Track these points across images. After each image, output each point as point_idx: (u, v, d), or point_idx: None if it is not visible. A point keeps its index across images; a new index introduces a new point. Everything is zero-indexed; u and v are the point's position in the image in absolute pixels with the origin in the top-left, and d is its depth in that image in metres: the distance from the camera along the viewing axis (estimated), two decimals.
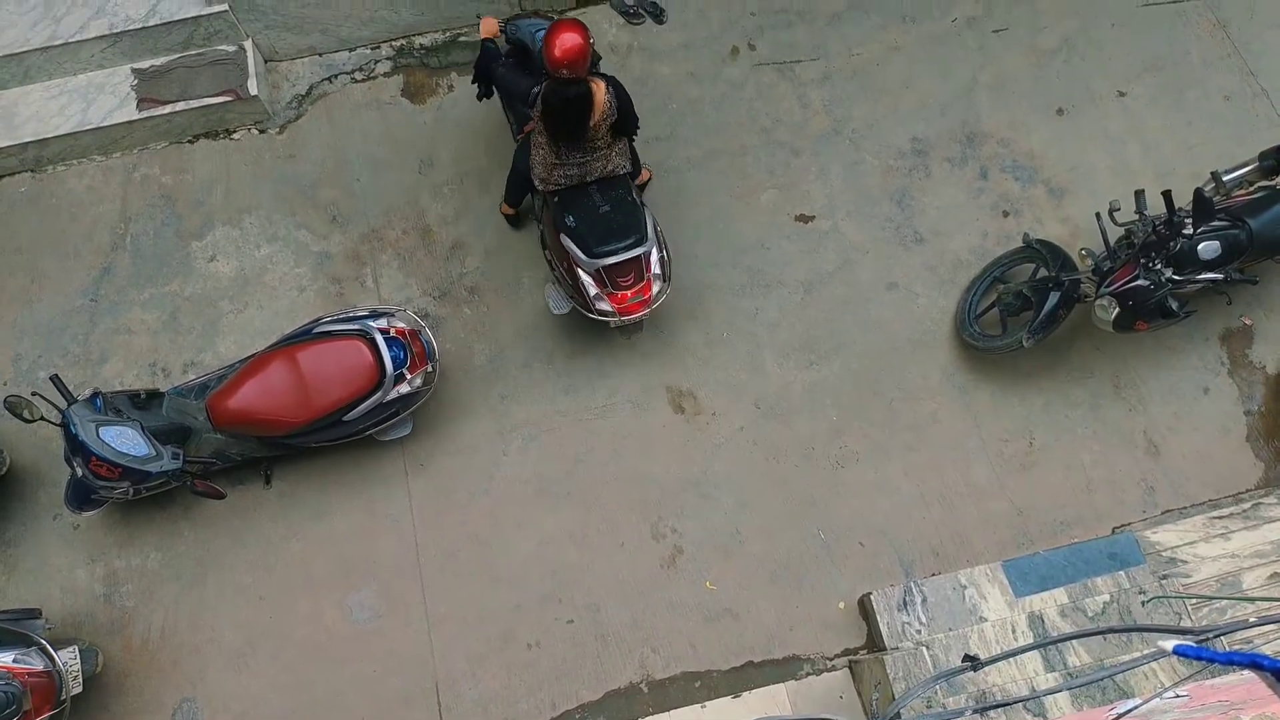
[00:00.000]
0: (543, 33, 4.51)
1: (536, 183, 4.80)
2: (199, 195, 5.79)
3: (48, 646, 4.33)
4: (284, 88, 6.05)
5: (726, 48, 6.06)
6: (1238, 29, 5.98)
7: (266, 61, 6.06)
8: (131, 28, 5.63)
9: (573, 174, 4.68)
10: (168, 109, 5.76)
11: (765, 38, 6.07)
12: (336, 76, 6.09)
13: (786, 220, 5.62)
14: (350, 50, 6.14)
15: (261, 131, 5.95)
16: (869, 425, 5.19)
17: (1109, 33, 6.01)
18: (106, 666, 4.78)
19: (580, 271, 4.74)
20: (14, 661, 4.21)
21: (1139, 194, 4.73)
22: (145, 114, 5.75)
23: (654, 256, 4.79)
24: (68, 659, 4.41)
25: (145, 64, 5.84)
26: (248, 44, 5.86)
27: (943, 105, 5.87)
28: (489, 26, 4.82)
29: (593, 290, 4.75)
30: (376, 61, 6.12)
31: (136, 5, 5.69)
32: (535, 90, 4.44)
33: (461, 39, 6.16)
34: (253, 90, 5.77)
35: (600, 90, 4.41)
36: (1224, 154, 5.49)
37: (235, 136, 5.95)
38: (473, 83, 5.00)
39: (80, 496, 4.73)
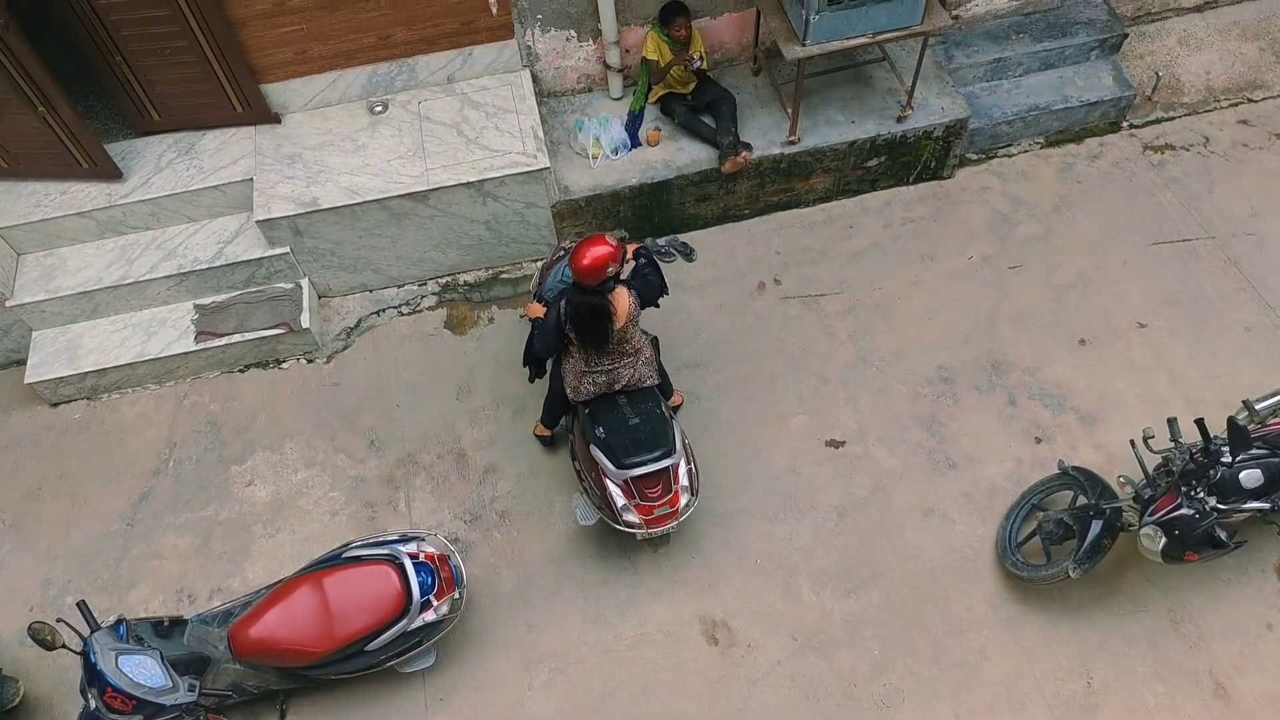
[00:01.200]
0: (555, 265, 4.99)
1: (569, 392, 4.98)
2: (244, 421, 5.98)
3: None
4: (334, 321, 6.39)
5: (753, 282, 6.38)
6: (1249, 265, 6.21)
7: (320, 297, 6.45)
8: (199, 268, 6.04)
9: (600, 381, 4.86)
10: (223, 341, 6.07)
11: (790, 273, 6.39)
12: (384, 310, 6.44)
13: (817, 445, 5.65)
14: (399, 287, 6.53)
15: (310, 361, 6.22)
16: (914, 661, 4.93)
17: (1122, 269, 6.26)
18: None
19: (608, 482, 4.82)
20: None
21: (1172, 422, 4.72)
22: (202, 346, 6.06)
23: (682, 469, 4.87)
24: None
25: (207, 300, 6.22)
26: (304, 282, 6.26)
27: (965, 335, 6.04)
28: (534, 310, 5.07)
29: (620, 501, 4.81)
30: (422, 297, 6.49)
31: (205, 248, 6.14)
32: (562, 306, 4.70)
33: (503, 276, 6.54)
34: (305, 324, 6.09)
35: (623, 294, 4.67)
36: (1251, 383, 5.53)
37: (284, 366, 6.22)
38: (524, 365, 5.29)
39: None
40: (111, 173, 6.03)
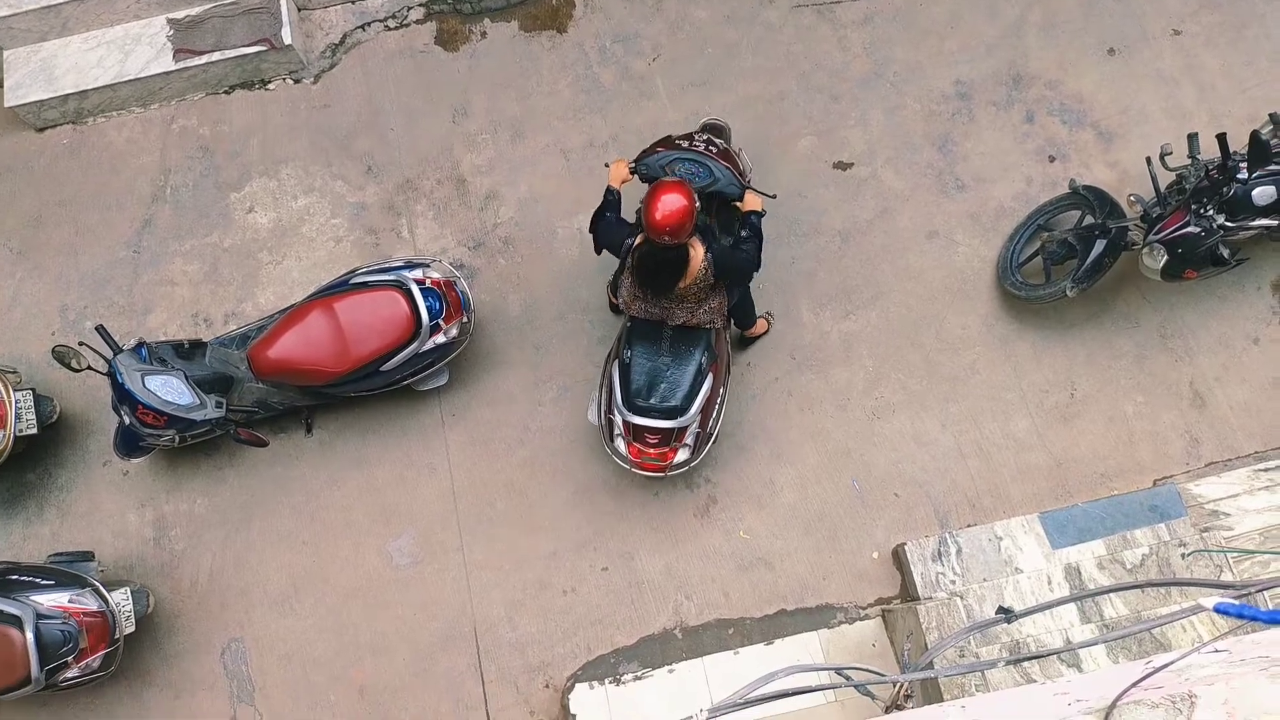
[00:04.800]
0: (677, 164, 4.35)
1: (619, 302, 4.53)
2: (236, 146, 5.82)
3: (101, 588, 4.50)
4: (317, 36, 6.02)
5: None
6: None
7: (300, 10, 6.03)
8: None
9: (654, 313, 4.38)
10: (203, 59, 5.77)
11: None
12: (369, 25, 6.04)
13: (824, 167, 5.52)
14: None
15: (296, 82, 5.94)
16: (906, 376, 5.14)
17: None
18: (157, 607, 4.96)
19: (612, 406, 4.55)
20: (69, 602, 4.38)
21: (1192, 137, 4.55)
22: (181, 65, 5.77)
23: (690, 431, 4.51)
24: (120, 600, 4.58)
25: (180, 14, 5.84)
26: None
27: (989, 46, 5.68)
28: (619, 173, 4.47)
29: (617, 429, 4.54)
30: (409, 8, 6.06)
31: None
32: (629, 242, 4.18)
33: None
34: (287, 39, 5.75)
35: (697, 256, 4.09)
36: None
37: (270, 87, 5.95)
38: (589, 231, 4.49)
39: (128, 444, 4.87)
40: None
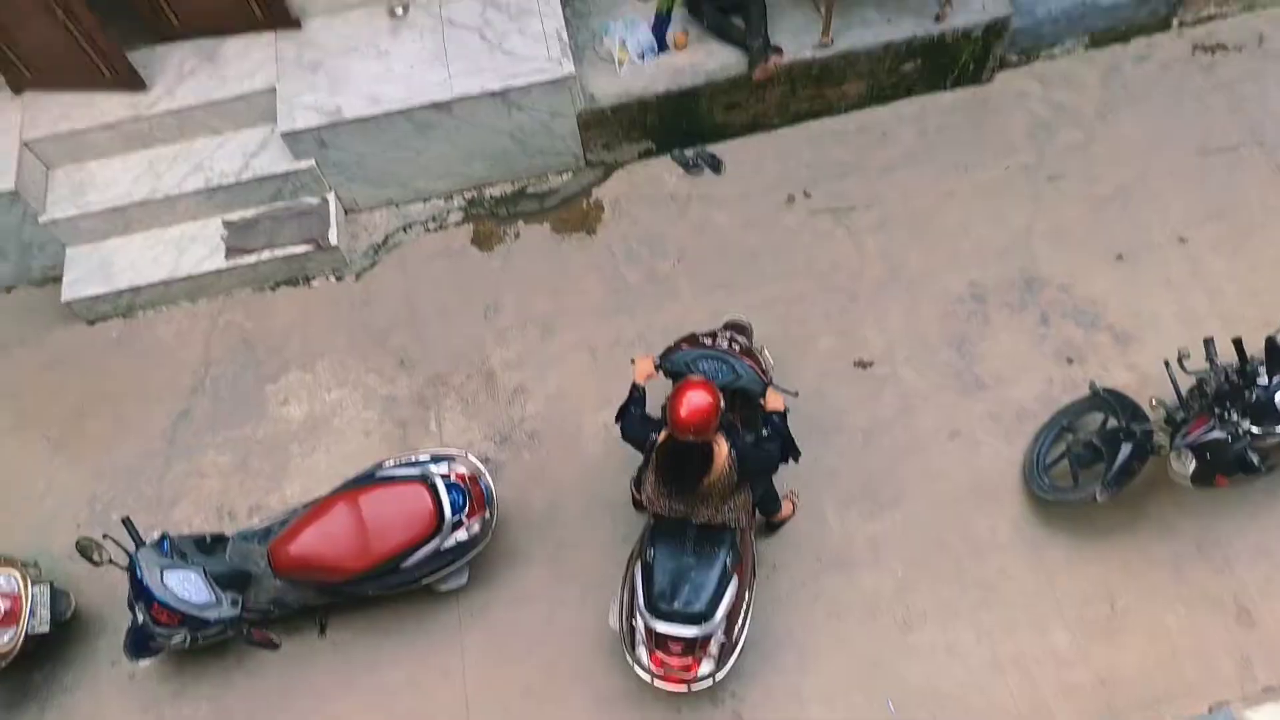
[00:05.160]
0: (701, 361, 4.45)
1: (643, 498, 4.41)
2: (277, 340, 6.04)
3: None
4: (361, 237, 6.37)
5: (782, 196, 6.23)
6: None
7: (347, 213, 6.41)
8: (226, 182, 6.01)
9: (678, 510, 4.27)
10: (253, 258, 6.09)
11: (820, 187, 6.23)
12: (411, 226, 6.39)
13: (844, 366, 5.62)
14: (424, 201, 6.47)
15: (339, 279, 6.23)
16: (936, 581, 5.01)
17: (1165, 180, 6.02)
18: None
19: (637, 610, 4.42)
20: None
21: (1208, 342, 4.62)
22: (233, 263, 6.08)
23: (714, 640, 4.38)
24: None
25: (235, 216, 6.21)
26: (330, 196, 6.21)
27: (999, 251, 5.89)
28: (644, 369, 4.50)
29: (639, 635, 4.41)
30: (449, 212, 6.42)
31: (231, 161, 6.10)
32: (653, 437, 4.15)
33: (529, 190, 6.45)
34: (333, 240, 6.08)
35: (722, 453, 4.02)
36: None
37: (314, 284, 6.24)
38: (616, 421, 4.48)
39: (138, 644, 4.77)
40: (135, 83, 5.95)
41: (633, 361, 4.70)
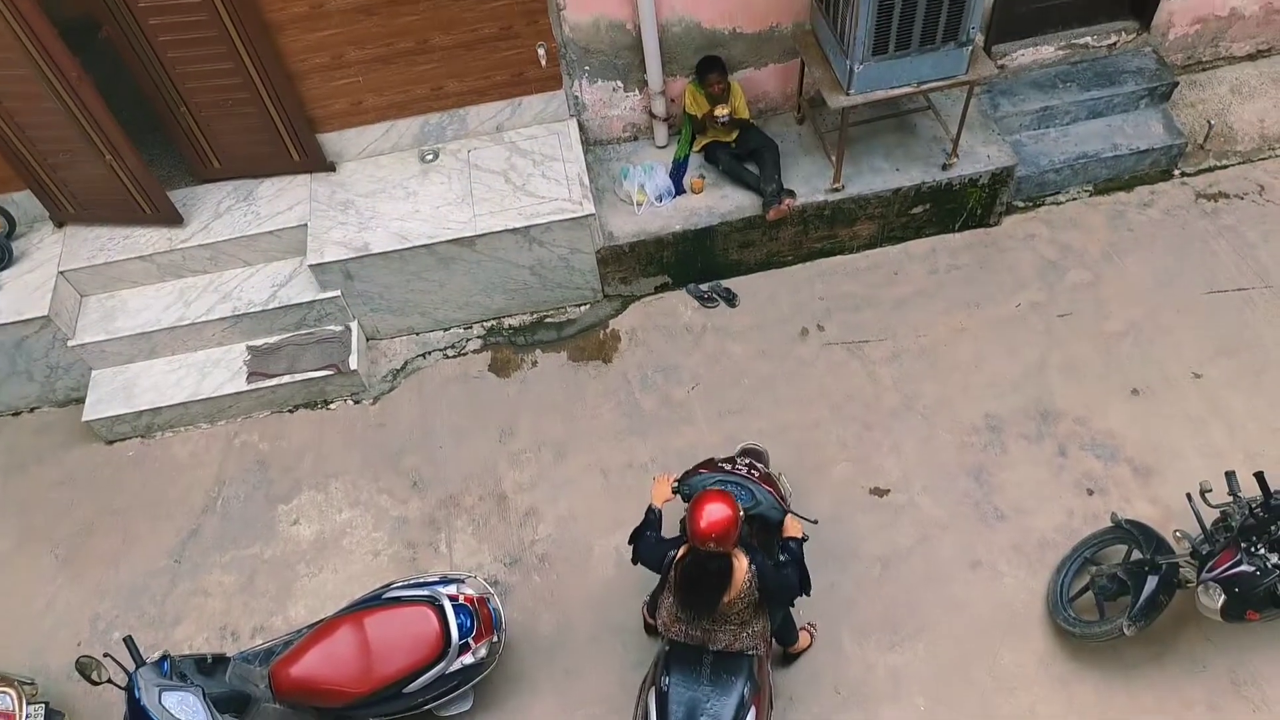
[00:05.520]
0: (720, 486, 4.39)
1: (659, 624, 4.34)
2: (291, 461, 6.07)
3: None
4: (381, 363, 6.50)
5: (796, 329, 6.36)
6: None
7: (368, 340, 6.56)
8: (253, 310, 6.20)
9: (695, 636, 4.21)
10: (274, 382, 6.20)
11: (833, 320, 6.36)
12: (430, 353, 6.53)
13: (860, 493, 5.57)
14: (444, 330, 6.63)
15: (356, 402, 6.32)
16: (961, 717, 4.78)
17: (1175, 318, 6.12)
18: None
19: None
20: None
21: (1230, 475, 4.57)
22: (253, 386, 6.19)
23: None
24: None
25: (259, 341, 6.37)
26: (354, 324, 6.38)
27: (1014, 383, 5.94)
28: (661, 492, 4.49)
29: None
30: (468, 340, 6.57)
31: (259, 290, 6.31)
32: (671, 554, 4.14)
33: (547, 320, 6.61)
34: (353, 365, 6.20)
35: (741, 567, 3.99)
36: None
37: (332, 407, 6.32)
38: (629, 543, 4.48)
39: None
40: (173, 218, 6.24)
41: (655, 478, 4.68)
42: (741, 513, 3.92)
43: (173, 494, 5.99)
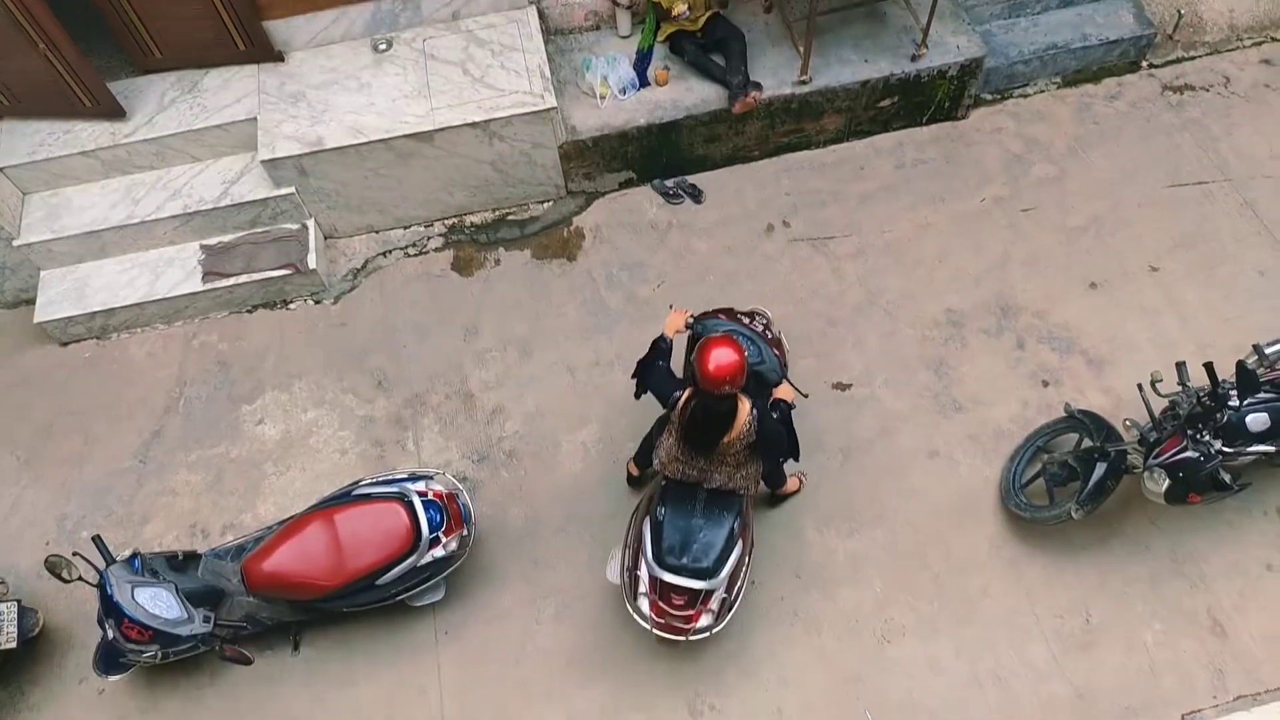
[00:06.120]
0: (733, 335, 4.47)
1: (655, 463, 4.57)
2: (253, 362, 6.01)
3: None
4: (341, 262, 6.38)
5: (762, 225, 6.32)
6: (1265, 208, 6.12)
7: (326, 238, 6.43)
8: (204, 208, 6.02)
9: (691, 475, 4.41)
10: (230, 281, 6.08)
11: (799, 216, 6.33)
12: (390, 252, 6.42)
13: (824, 387, 5.65)
14: (405, 228, 6.50)
15: (317, 302, 6.23)
16: (916, 598, 4.99)
17: (1136, 212, 6.18)
18: None
19: (642, 562, 4.52)
20: None
21: (1180, 366, 4.70)
22: (209, 286, 6.07)
23: (716, 596, 4.48)
24: None
25: (213, 240, 6.21)
26: (310, 222, 6.23)
27: (976, 278, 6.00)
28: (675, 322, 4.56)
29: (643, 587, 4.50)
30: (429, 238, 6.46)
31: (210, 188, 6.12)
32: (677, 395, 4.25)
33: (510, 218, 6.51)
34: (312, 264, 6.08)
35: (744, 410, 4.13)
36: (1263, 326, 5.50)
37: (291, 306, 6.23)
38: (632, 377, 4.63)
39: (109, 660, 4.66)
40: (115, 111, 5.98)
41: (671, 307, 4.80)
42: (747, 358, 4.04)
43: (132, 395, 5.92)
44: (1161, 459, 4.57)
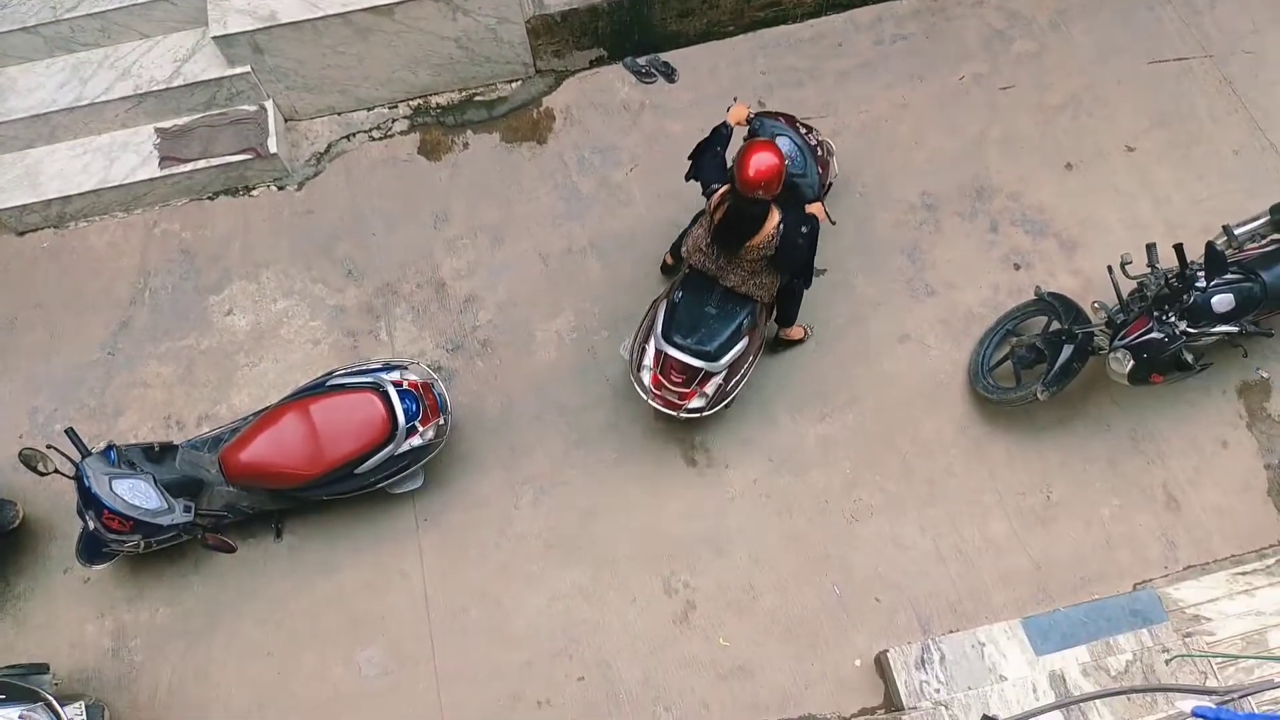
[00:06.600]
0: (787, 140, 4.70)
1: (683, 247, 4.79)
2: (217, 250, 5.88)
3: (54, 702, 4.29)
4: (303, 146, 6.17)
5: None
6: (1244, 85, 6.03)
7: (286, 121, 6.20)
8: (156, 88, 5.79)
9: (710, 269, 4.62)
10: (188, 167, 5.89)
11: (775, 95, 6.16)
12: (354, 135, 6.21)
13: None
14: (368, 110, 6.28)
15: (280, 188, 6.05)
16: (884, 478, 5.14)
17: (1115, 90, 6.07)
18: None
19: (651, 337, 4.78)
20: (19, 718, 4.16)
21: (1150, 247, 4.73)
22: (166, 172, 5.88)
23: (714, 380, 4.72)
24: (74, 715, 4.36)
25: (168, 123, 5.99)
26: (269, 104, 6.01)
27: (952, 160, 5.92)
28: (739, 114, 4.76)
29: (647, 360, 4.77)
30: (393, 120, 6.25)
31: (161, 67, 5.85)
32: (715, 187, 4.44)
33: (477, 98, 6.29)
34: (272, 148, 5.89)
35: (772, 220, 4.32)
36: (1235, 207, 5.50)
37: (254, 193, 6.05)
38: (689, 159, 4.79)
39: (91, 550, 4.73)
40: None
41: (734, 101, 5.02)
42: (787, 170, 4.19)
43: (96, 285, 5.80)
44: (1127, 340, 4.64)
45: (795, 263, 4.57)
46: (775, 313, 5.06)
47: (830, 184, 5.31)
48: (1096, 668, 4.33)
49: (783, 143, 4.75)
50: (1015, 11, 6.36)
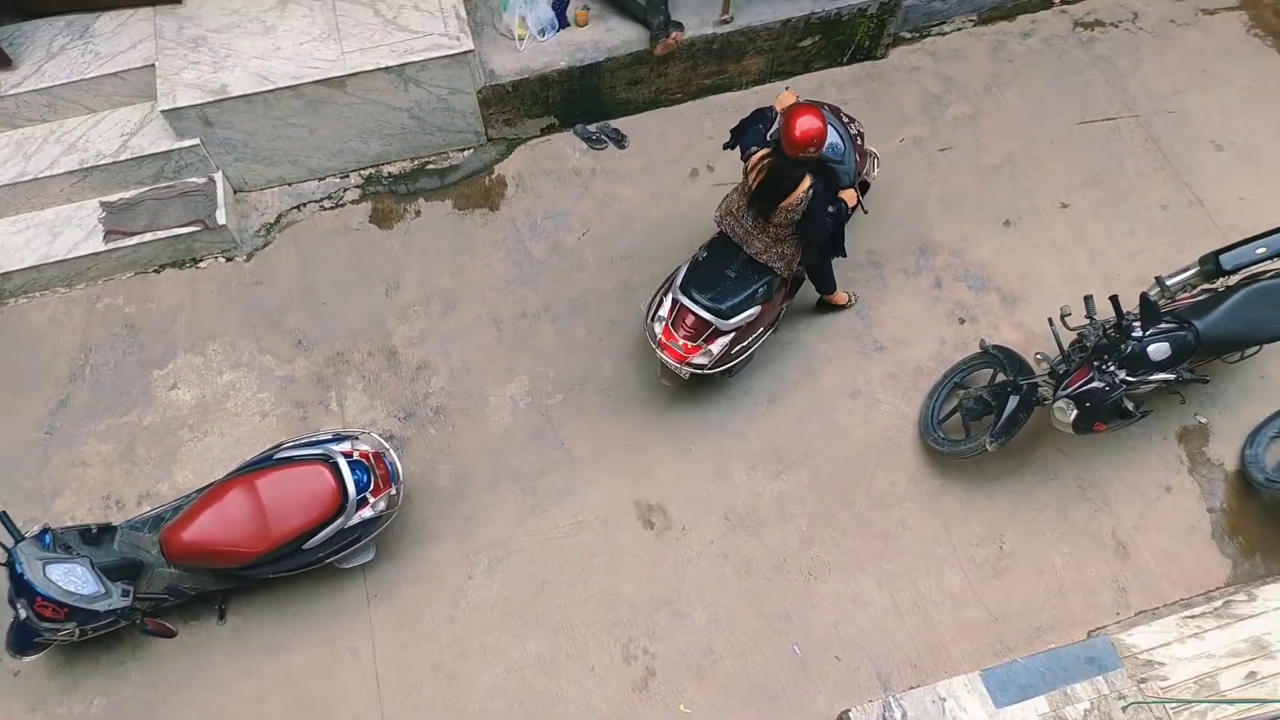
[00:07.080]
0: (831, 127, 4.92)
1: (715, 213, 5.05)
2: (163, 324, 5.79)
3: None
4: (252, 217, 6.15)
5: (686, 170, 6.28)
6: (1168, 143, 6.30)
7: (236, 192, 6.18)
8: (102, 163, 5.75)
9: (736, 233, 4.89)
10: (134, 240, 5.82)
11: (723, 159, 6.29)
12: (305, 205, 6.21)
13: None
14: (319, 180, 6.29)
15: (229, 260, 6.01)
16: (840, 534, 5.14)
17: (1048, 149, 6.30)
18: None
19: (669, 289, 5.01)
20: None
21: (1088, 299, 4.85)
22: (112, 246, 5.81)
23: (722, 338, 4.92)
24: None
25: (114, 197, 5.94)
26: (218, 176, 5.99)
27: (896, 219, 6.07)
28: (786, 99, 4.90)
29: (662, 311, 4.98)
30: (345, 190, 6.26)
31: (108, 141, 5.83)
32: (754, 149, 4.70)
33: (429, 166, 6.34)
34: (221, 220, 5.86)
35: (803, 187, 4.55)
36: (1165, 259, 5.70)
37: (202, 265, 6.00)
38: (731, 130, 5.03)
39: (23, 640, 4.51)
40: None
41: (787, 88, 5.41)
42: (826, 156, 4.48)
43: (35, 364, 5.66)
44: (1070, 390, 4.74)
45: (818, 232, 4.73)
46: (815, 283, 5.43)
47: (869, 183, 5.58)
48: (1056, 718, 4.31)
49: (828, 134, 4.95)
50: (951, 77, 6.61)
